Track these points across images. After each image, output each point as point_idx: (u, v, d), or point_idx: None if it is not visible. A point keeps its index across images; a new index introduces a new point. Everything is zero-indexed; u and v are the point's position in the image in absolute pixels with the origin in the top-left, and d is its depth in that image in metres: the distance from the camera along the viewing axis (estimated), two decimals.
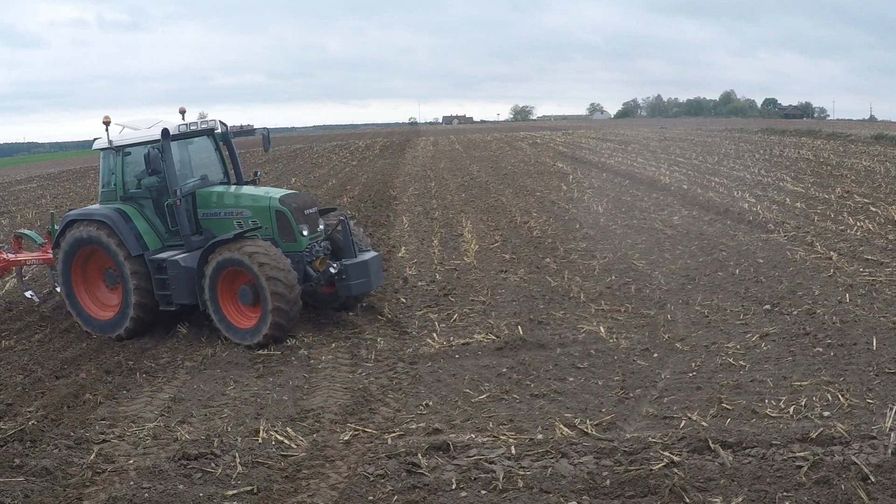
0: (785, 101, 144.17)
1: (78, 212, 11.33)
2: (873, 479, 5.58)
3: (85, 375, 9.11)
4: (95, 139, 11.50)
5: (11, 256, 13.01)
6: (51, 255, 12.04)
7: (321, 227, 11.06)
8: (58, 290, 12.45)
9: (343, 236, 10.96)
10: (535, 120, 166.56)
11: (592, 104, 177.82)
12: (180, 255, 10.66)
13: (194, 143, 11.59)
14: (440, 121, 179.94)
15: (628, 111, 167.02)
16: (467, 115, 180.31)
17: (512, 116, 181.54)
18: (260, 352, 9.78)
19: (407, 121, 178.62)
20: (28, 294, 12.80)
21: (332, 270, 10.61)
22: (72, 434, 7.30)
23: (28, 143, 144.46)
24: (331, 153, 54.33)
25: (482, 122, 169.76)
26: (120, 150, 11.07)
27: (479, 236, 17.16)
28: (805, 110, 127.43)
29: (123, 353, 9.90)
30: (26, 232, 13.91)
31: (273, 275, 9.79)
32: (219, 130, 11.71)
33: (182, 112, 11.87)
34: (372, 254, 11.20)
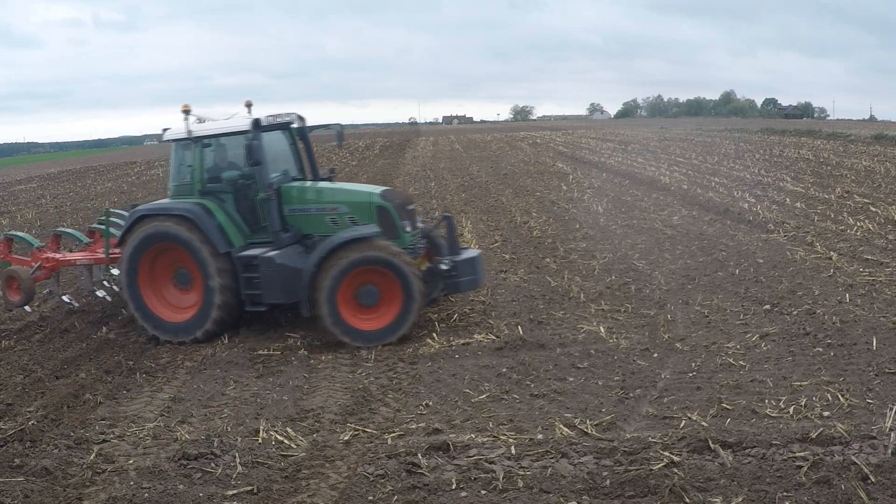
0: (785, 101, 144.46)
1: (150, 206, 10.81)
2: (873, 479, 5.58)
3: (85, 375, 9.10)
4: (165, 129, 11.14)
5: (59, 256, 12.21)
6: (101, 255, 11.62)
7: (419, 224, 11.01)
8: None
9: (448, 233, 10.90)
10: (534, 120, 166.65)
11: (592, 104, 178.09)
12: (273, 252, 10.14)
13: (271, 137, 11.05)
14: (440, 121, 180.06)
15: (628, 111, 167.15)
16: (467, 115, 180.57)
17: (512, 116, 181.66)
18: (260, 352, 9.78)
19: (407, 121, 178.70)
20: (65, 298, 12.20)
21: (444, 267, 10.34)
22: (72, 434, 7.30)
23: (28, 143, 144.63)
24: (331, 153, 54.27)
25: (482, 122, 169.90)
26: (199, 142, 10.54)
27: (479, 236, 17.16)
28: (805, 110, 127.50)
29: (123, 353, 9.90)
30: (68, 230, 13.35)
31: (417, 274, 9.79)
32: (295, 125, 11.36)
33: (248, 105, 11.44)
34: (476, 251, 11.19)
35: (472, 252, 11.00)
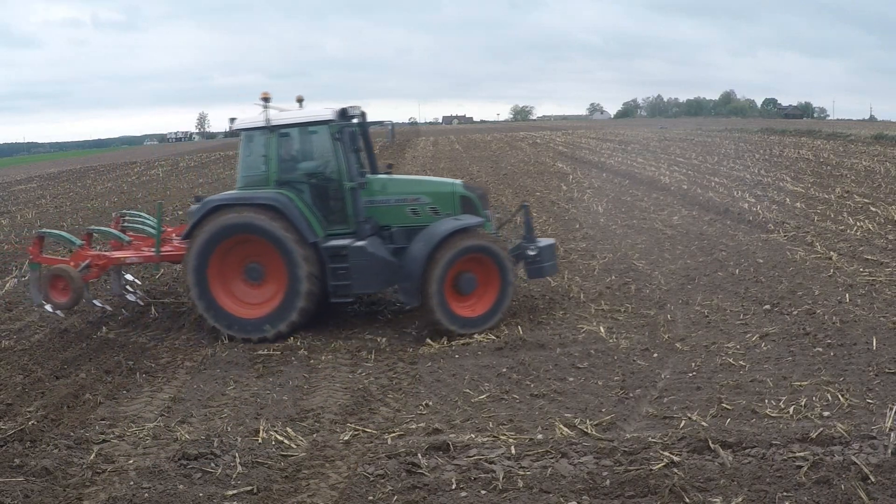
0: (785, 101, 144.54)
1: (223, 197, 10.46)
2: (873, 479, 5.58)
3: (85, 375, 9.10)
4: (232, 119, 11.04)
5: (111, 254, 11.54)
6: (151, 253, 11.25)
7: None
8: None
9: (525, 221, 11.16)
10: (534, 120, 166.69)
11: (592, 104, 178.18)
12: (362, 243, 10.21)
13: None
14: (440, 121, 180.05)
15: (628, 111, 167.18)
16: (467, 115, 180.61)
17: (512, 116, 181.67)
18: (260, 352, 9.78)
19: (407, 121, 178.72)
20: (97, 303, 11.65)
21: (531, 253, 10.78)
22: (72, 434, 7.30)
23: (28, 143, 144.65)
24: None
25: (482, 122, 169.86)
26: (275, 131, 10.38)
27: None
28: (805, 110, 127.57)
29: (123, 353, 9.89)
30: (102, 229, 12.88)
31: (513, 261, 10.26)
32: (357, 120, 11.34)
33: (300, 101, 11.35)
34: (551, 240, 11.59)
35: (548, 240, 11.39)
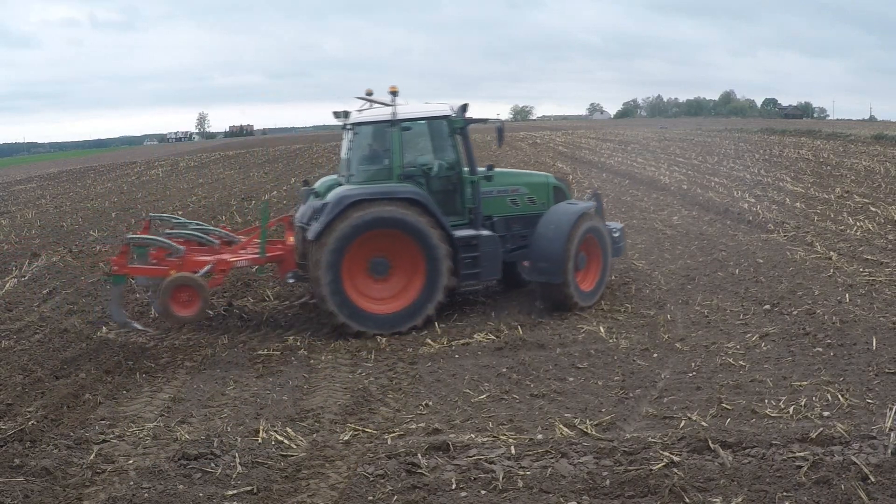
0: (785, 101, 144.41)
1: (361, 191, 10.23)
2: (873, 479, 5.58)
3: (85, 375, 9.09)
4: (338, 113, 11.18)
5: (230, 258, 10.73)
6: (256, 255, 10.75)
7: None
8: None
9: (597, 208, 11.91)
10: (534, 120, 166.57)
11: (592, 104, 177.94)
12: (488, 232, 10.78)
13: (440, 125, 11.20)
14: None
15: (628, 111, 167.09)
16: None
17: (511, 116, 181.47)
18: (260, 352, 9.78)
19: None
20: (137, 326, 10.67)
21: (615, 235, 11.72)
22: (72, 434, 7.29)
23: (28, 143, 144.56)
24: (331, 153, 54.25)
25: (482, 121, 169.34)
26: (397, 125, 10.48)
27: None
28: (805, 110, 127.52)
29: (123, 353, 9.89)
30: (194, 231, 11.26)
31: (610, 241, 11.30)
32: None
33: (393, 93, 11.20)
34: (620, 224, 12.74)
35: (618, 224, 12.48)
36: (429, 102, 11.26)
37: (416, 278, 10.32)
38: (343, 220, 9.92)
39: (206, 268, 10.28)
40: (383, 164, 10.63)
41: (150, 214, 12.22)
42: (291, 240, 10.86)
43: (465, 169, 10.98)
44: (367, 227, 10.01)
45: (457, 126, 10.80)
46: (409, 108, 10.79)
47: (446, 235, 10.27)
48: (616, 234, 11.75)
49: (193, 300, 9.84)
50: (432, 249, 10.15)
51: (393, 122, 10.48)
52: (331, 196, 10.21)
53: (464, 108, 10.84)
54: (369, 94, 10.84)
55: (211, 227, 11.92)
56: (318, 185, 11.65)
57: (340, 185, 10.96)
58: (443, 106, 10.91)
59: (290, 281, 10.98)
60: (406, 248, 10.26)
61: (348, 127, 11.07)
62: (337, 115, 11.39)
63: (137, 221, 21.87)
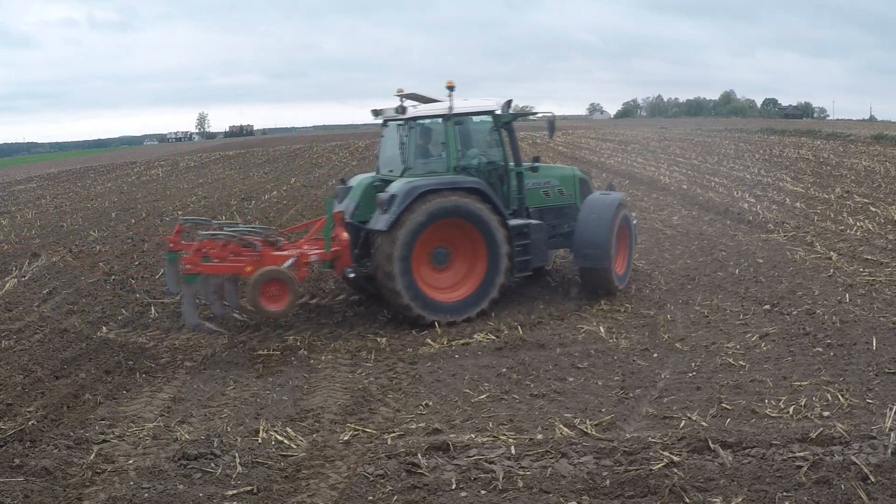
0: (785, 101, 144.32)
1: (429, 182, 10.45)
2: (873, 479, 5.58)
3: (85, 375, 9.09)
4: (375, 111, 11.59)
5: (308, 252, 10.59)
6: (321, 251, 10.63)
7: None
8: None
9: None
10: (534, 120, 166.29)
11: (592, 104, 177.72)
12: (537, 221, 11.43)
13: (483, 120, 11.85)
14: None
15: (628, 111, 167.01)
16: None
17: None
18: (260, 352, 9.78)
19: None
20: (237, 315, 10.63)
21: (634, 222, 12.44)
22: (72, 434, 7.29)
23: (28, 143, 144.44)
24: (331, 153, 54.26)
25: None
26: (452, 119, 10.90)
27: None
28: (805, 110, 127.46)
29: (123, 353, 9.89)
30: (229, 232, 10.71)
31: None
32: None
33: (450, 88, 11.34)
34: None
35: (633, 213, 13.12)
36: (466, 99, 11.54)
37: (478, 266, 10.71)
38: (413, 211, 10.17)
39: (290, 261, 10.20)
40: (441, 157, 11.08)
41: (181, 218, 12.10)
42: (345, 235, 10.92)
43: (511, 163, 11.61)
44: (437, 216, 10.31)
45: (505, 121, 11.37)
46: (460, 104, 11.17)
47: (505, 224, 10.71)
48: (634, 223, 12.54)
49: (283, 294, 9.82)
50: (494, 237, 10.56)
51: (449, 117, 10.89)
52: (398, 188, 10.35)
53: (508, 103, 11.43)
54: (400, 92, 11.24)
55: (249, 227, 11.65)
56: (353, 182, 11.85)
57: (386, 180, 11.23)
58: (491, 102, 11.42)
59: (350, 276, 10.94)
60: (467, 237, 10.65)
61: (402, 122, 11.15)
62: (376, 112, 11.74)
63: (137, 221, 21.92)
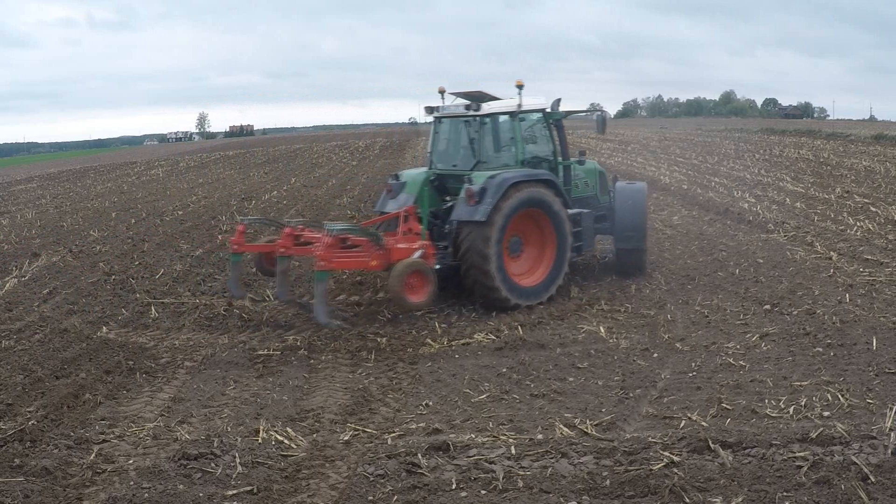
0: (785, 101, 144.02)
1: (515, 174, 11.13)
2: (873, 479, 5.59)
3: (85, 375, 9.09)
4: (429, 109, 12.12)
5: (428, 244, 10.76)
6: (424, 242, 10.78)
7: None
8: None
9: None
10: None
11: (592, 104, 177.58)
12: (587, 210, 12.34)
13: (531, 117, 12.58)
14: None
15: (628, 111, 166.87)
16: None
17: None
18: (260, 352, 9.78)
19: (407, 120, 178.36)
20: (339, 323, 10.38)
21: None
22: (72, 434, 7.29)
23: (28, 143, 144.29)
24: (331, 153, 54.30)
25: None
26: (515, 116, 11.66)
27: None
28: (805, 110, 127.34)
29: (123, 353, 9.89)
30: (342, 225, 10.98)
31: None
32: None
33: (519, 86, 11.84)
34: None
35: None
36: (511, 98, 11.92)
37: (546, 252, 11.44)
38: (508, 199, 10.83)
39: (419, 252, 10.43)
40: (510, 151, 11.75)
41: (240, 219, 12.05)
42: (421, 229, 11.23)
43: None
44: (524, 206, 11.01)
45: (557, 117, 12.32)
46: (518, 101, 11.75)
47: (570, 211, 11.60)
48: None
49: (423, 286, 10.11)
50: (563, 226, 11.37)
51: (516, 114, 11.63)
52: (487, 180, 10.93)
53: (558, 101, 12.40)
54: (442, 91, 12.04)
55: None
56: (405, 177, 12.33)
57: (443, 174, 12.10)
58: (541, 99, 12.15)
59: (436, 268, 11.00)
60: (535, 225, 11.38)
61: (471, 119, 11.76)
62: (429, 109, 12.33)
63: (137, 221, 21.92)
